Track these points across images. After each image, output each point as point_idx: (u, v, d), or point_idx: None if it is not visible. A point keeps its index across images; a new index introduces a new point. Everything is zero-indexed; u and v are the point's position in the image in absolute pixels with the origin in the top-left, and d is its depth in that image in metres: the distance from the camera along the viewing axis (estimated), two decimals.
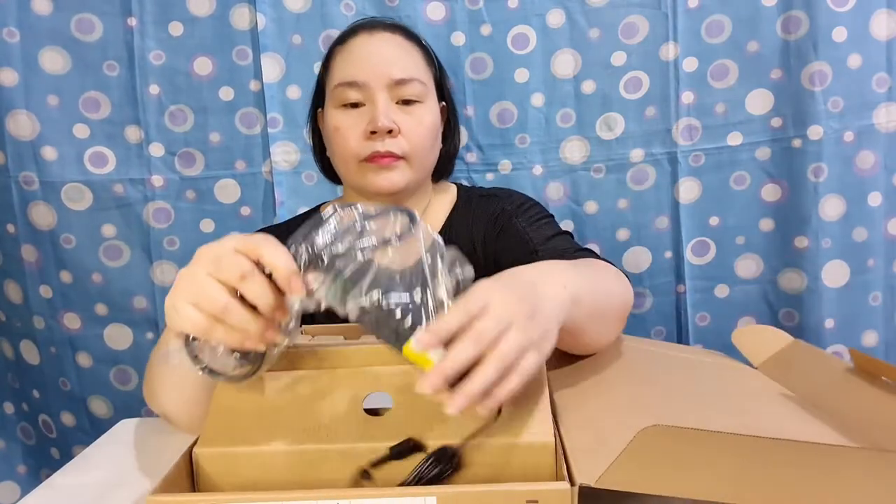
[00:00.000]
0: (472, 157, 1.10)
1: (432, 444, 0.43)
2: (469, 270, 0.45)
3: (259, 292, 0.43)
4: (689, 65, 1.04)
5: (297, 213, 0.93)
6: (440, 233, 0.82)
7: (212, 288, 0.43)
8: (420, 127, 0.76)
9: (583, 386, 0.53)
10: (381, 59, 0.75)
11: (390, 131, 0.73)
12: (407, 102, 0.76)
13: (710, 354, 0.76)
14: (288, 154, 1.10)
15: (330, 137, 0.79)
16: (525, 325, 0.43)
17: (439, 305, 0.42)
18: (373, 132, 0.73)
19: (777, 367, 0.66)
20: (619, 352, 0.64)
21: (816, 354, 0.68)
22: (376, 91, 0.74)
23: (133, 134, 1.09)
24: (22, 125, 1.06)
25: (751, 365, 0.69)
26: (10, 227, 1.10)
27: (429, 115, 0.77)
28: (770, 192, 1.07)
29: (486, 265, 0.80)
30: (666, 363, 0.65)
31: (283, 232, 0.85)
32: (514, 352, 0.41)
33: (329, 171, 0.89)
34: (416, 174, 0.78)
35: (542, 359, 0.44)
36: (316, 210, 0.89)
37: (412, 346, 0.41)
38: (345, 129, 0.75)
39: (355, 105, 0.75)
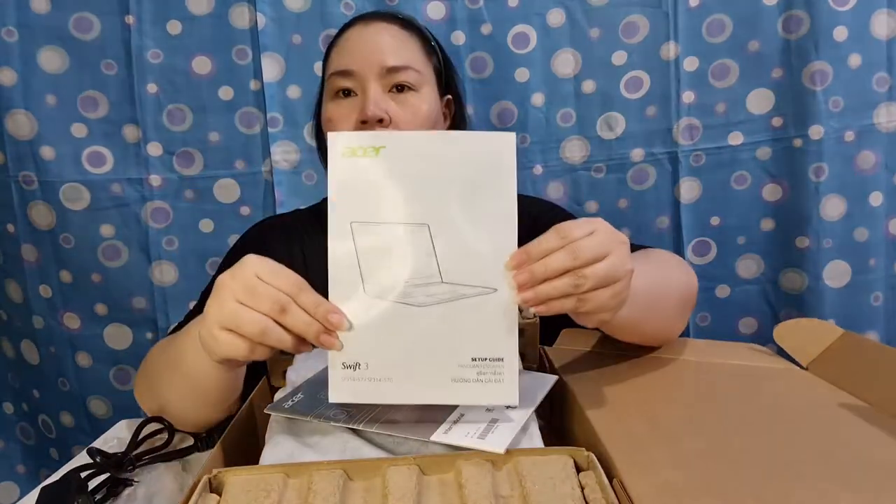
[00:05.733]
0: None
1: None
2: None
3: (304, 322, 0.45)
4: (690, 64, 1.04)
5: (299, 208, 0.92)
6: None
7: (247, 315, 0.44)
8: (414, 116, 0.73)
9: (636, 430, 0.47)
10: (374, 48, 0.73)
11: (381, 120, 0.71)
12: (401, 90, 0.73)
13: (758, 356, 0.68)
14: (288, 154, 1.10)
15: (325, 129, 0.77)
16: (622, 260, 0.45)
17: None
18: (363, 122, 0.71)
19: (830, 366, 0.60)
20: (662, 376, 0.60)
21: (872, 348, 0.61)
22: (368, 79, 0.72)
23: (131, 133, 1.08)
24: (21, 125, 1.06)
25: (798, 363, 0.64)
26: (10, 227, 1.10)
27: (424, 104, 0.75)
28: (771, 192, 1.06)
29: None
30: (716, 387, 0.58)
31: (288, 224, 0.86)
32: (602, 277, 0.44)
33: None
34: None
35: (621, 303, 0.46)
36: (323, 202, 0.89)
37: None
38: (336, 119, 0.73)
39: (348, 94, 0.74)
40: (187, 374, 0.55)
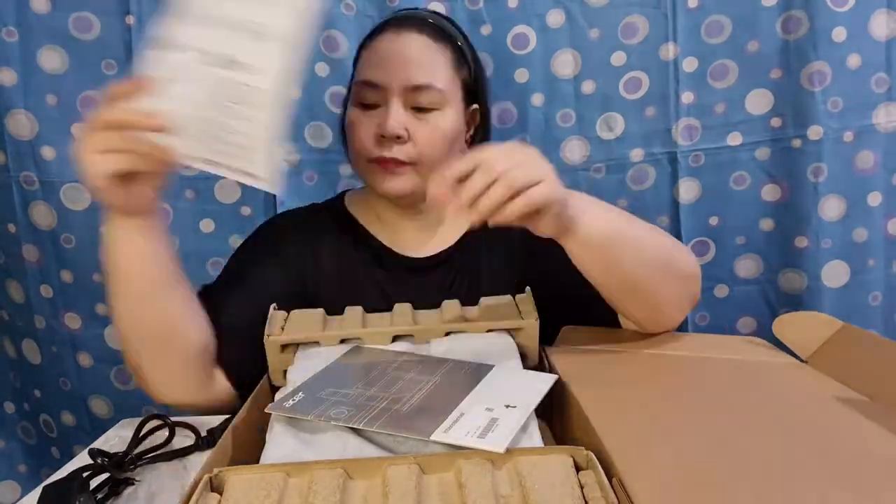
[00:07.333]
0: None
1: None
2: None
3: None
4: (689, 65, 1.04)
5: (316, 202, 0.92)
6: (472, 236, 0.80)
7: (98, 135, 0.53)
8: (433, 134, 0.74)
9: (636, 430, 0.47)
10: (401, 62, 0.74)
11: (399, 137, 0.73)
12: (423, 109, 0.74)
13: (758, 350, 0.68)
14: (289, 154, 1.10)
15: (347, 132, 0.79)
16: (532, 164, 0.52)
17: None
18: (382, 136, 0.73)
19: (830, 359, 0.60)
20: (662, 374, 0.61)
21: (873, 341, 0.60)
22: (392, 95, 0.73)
23: None
24: (21, 125, 1.06)
25: (798, 357, 0.64)
26: (12, 227, 1.10)
27: (446, 122, 0.76)
28: (770, 192, 1.07)
29: (532, 259, 0.79)
30: (716, 385, 0.58)
31: (301, 224, 0.86)
32: (521, 181, 0.50)
33: None
34: (426, 179, 0.75)
35: (549, 191, 0.52)
36: (339, 198, 0.89)
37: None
38: (358, 128, 0.75)
39: (372, 105, 0.75)
40: (117, 270, 0.61)
